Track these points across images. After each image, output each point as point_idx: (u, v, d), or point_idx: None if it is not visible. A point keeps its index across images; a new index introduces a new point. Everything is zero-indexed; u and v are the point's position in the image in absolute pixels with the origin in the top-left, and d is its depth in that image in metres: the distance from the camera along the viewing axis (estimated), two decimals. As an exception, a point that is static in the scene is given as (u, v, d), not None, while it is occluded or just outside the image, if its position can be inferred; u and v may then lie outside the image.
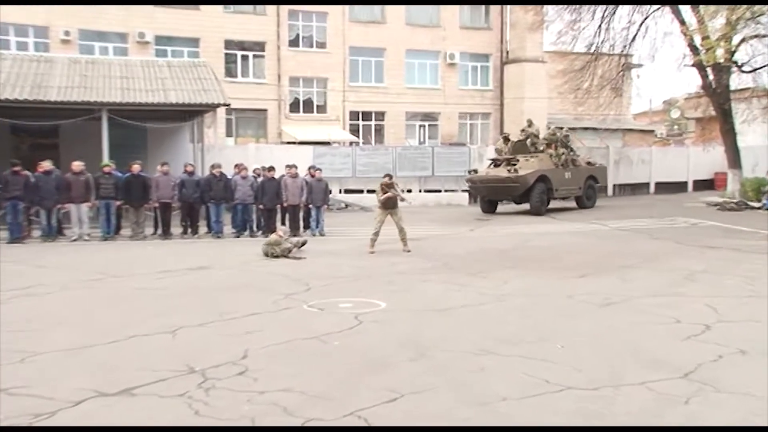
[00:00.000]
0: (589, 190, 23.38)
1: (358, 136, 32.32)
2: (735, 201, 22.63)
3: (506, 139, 23.12)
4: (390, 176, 13.71)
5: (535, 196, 20.82)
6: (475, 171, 22.11)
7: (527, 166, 21.05)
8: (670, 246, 13.79)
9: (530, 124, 23.14)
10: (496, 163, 22.04)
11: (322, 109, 32.72)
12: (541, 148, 22.43)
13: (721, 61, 22.28)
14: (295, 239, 13.90)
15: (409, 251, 13.31)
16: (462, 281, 9.96)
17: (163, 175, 16.15)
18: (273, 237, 13.26)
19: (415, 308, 8.13)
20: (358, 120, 33.51)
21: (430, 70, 34.43)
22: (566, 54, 26.99)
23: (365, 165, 25.54)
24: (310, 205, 16.70)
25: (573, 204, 23.66)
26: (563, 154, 22.32)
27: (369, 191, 25.03)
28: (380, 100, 33.09)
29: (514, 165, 21.21)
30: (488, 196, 21.63)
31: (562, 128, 24.82)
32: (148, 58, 24.02)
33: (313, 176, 17.13)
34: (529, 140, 22.65)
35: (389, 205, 13.42)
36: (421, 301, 8.60)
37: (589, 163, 24.04)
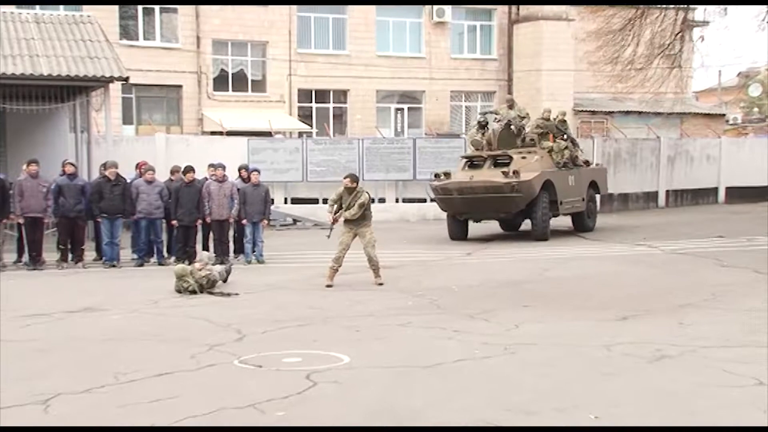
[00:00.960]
0: (590, 204, 22.44)
1: (310, 125, 32.36)
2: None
3: (482, 126, 21.56)
4: (354, 177, 13.75)
5: (539, 213, 19.77)
6: (447, 174, 20.41)
7: (527, 167, 19.85)
8: (746, 276, 14.02)
9: (512, 104, 22.19)
10: (473, 162, 20.74)
11: (259, 86, 32.73)
12: (530, 139, 21.39)
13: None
14: (219, 268, 13.85)
15: (381, 284, 13.34)
16: (456, 325, 10.00)
17: (30, 178, 16.00)
18: (180, 267, 13.26)
19: (391, 364, 8.13)
20: (311, 102, 33.57)
21: (410, 31, 34.70)
22: (601, 9, 27.38)
23: (320, 164, 25.59)
24: (244, 221, 16.68)
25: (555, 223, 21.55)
26: (566, 148, 21.42)
27: (326, 201, 24.97)
28: (341, 75, 33.23)
29: (507, 164, 19.97)
30: (468, 213, 20.34)
31: (572, 111, 24.20)
32: (6, 9, 23.81)
33: (247, 180, 17.11)
34: (513, 128, 21.33)
35: (355, 221, 13.46)
36: (399, 353, 8.61)
37: (586, 163, 23.17)
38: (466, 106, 35.81)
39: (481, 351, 8.63)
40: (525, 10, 35.07)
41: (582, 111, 34.95)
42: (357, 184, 13.56)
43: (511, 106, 21.94)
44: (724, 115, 41.48)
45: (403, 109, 35.16)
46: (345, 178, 13.75)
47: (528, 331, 9.70)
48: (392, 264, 15.62)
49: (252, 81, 32.62)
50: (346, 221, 13.50)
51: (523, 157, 20.27)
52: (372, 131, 31.73)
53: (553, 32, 34.11)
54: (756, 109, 49.43)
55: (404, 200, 26.88)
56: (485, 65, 35.81)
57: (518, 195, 19.42)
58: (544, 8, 34.25)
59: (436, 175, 20.57)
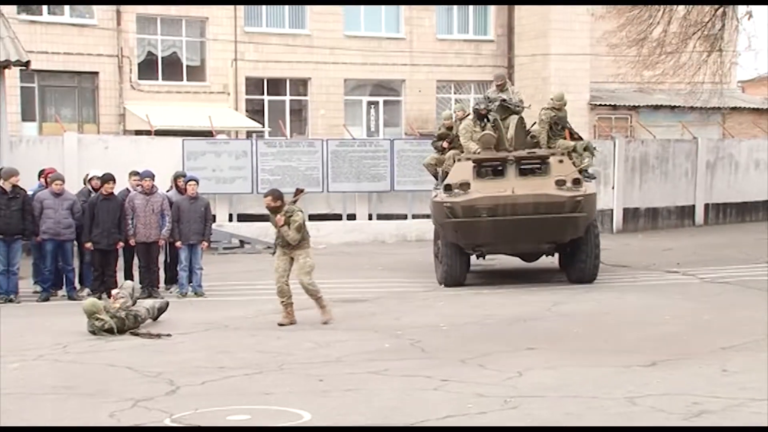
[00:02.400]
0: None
1: (261, 122, 32.34)
2: None
3: (481, 116, 18.65)
4: (276, 194, 13.67)
5: (591, 242, 17.78)
6: (465, 185, 17.31)
7: (572, 176, 17.58)
8: (802, 310, 14.10)
9: (504, 83, 19.92)
10: (481, 166, 17.85)
11: (197, 73, 32.67)
12: (531, 136, 19.25)
13: None
14: (149, 302, 13.79)
15: (326, 322, 13.28)
16: (444, 373, 10.01)
17: None
18: (89, 303, 13.19)
19: (363, 422, 8.13)
20: (262, 94, 33.56)
21: (386, 7, 34.78)
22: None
23: (275, 172, 25.54)
24: (178, 243, 16.64)
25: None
26: (586, 149, 19.13)
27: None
28: (300, 60, 33.26)
29: (538, 171, 17.86)
30: (495, 245, 17.95)
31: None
32: None
33: (183, 192, 17.08)
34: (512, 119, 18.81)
35: (286, 242, 13.49)
36: (373, 408, 8.61)
37: None
38: (456, 100, 35.88)
39: (476, 405, 8.63)
40: (529, -21, 35.24)
41: (600, 105, 35.17)
42: (281, 201, 13.50)
43: (502, 87, 19.74)
44: (776, 110, 41.80)
45: (377, 102, 35.24)
46: (265, 196, 13.71)
47: (534, 380, 9.71)
48: (364, 296, 15.61)
49: (188, 67, 32.59)
50: (282, 244, 13.55)
51: (560, 161, 17.88)
52: (339, 130, 31.76)
53: (564, 6, 34.22)
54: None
55: (379, 217, 26.86)
56: (480, 48, 35.98)
57: (581, 215, 17.22)
58: (552, -22, 34.46)
59: (448, 188, 17.37)
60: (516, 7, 35.55)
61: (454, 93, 36.00)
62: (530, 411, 8.44)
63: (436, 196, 17.82)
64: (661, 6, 26.13)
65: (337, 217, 26.22)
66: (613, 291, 16.65)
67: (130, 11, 31.15)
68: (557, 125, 19.15)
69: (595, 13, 30.56)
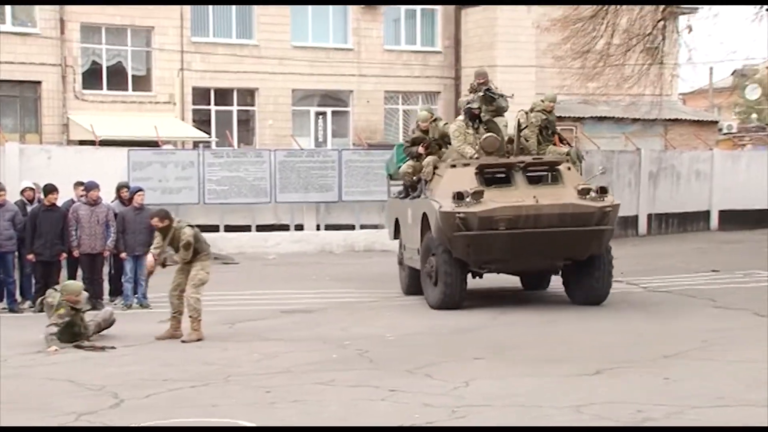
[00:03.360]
0: None
1: (208, 132, 32.17)
2: None
3: (473, 117, 17.14)
4: (162, 215, 13.48)
5: (605, 259, 16.57)
6: (478, 194, 15.53)
7: (585, 184, 16.54)
8: (744, 320, 14.28)
9: (486, 81, 17.97)
10: (484, 172, 16.33)
11: (142, 83, 32.42)
12: (528, 139, 17.61)
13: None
14: (99, 315, 13.65)
15: (187, 341, 12.98)
16: (391, 383, 10.02)
17: None
18: (78, 285, 13.30)
19: (310, 433, 8.13)
20: (209, 104, 33.38)
21: (334, 17, 34.80)
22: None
23: (222, 182, 25.44)
24: (123, 254, 16.50)
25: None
26: (577, 155, 18.02)
27: (229, 228, 24.92)
28: (248, 70, 33.14)
29: (553, 175, 16.64)
30: (507, 262, 16.36)
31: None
32: None
33: (128, 203, 16.94)
34: (495, 118, 17.50)
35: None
36: (320, 419, 8.59)
37: None
38: (403, 110, 35.99)
39: (423, 415, 8.64)
40: (476, -10, 35.33)
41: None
42: (169, 221, 13.33)
43: (485, 81, 18.00)
44: (716, 122, 42.31)
45: (325, 113, 35.18)
46: (151, 218, 13.65)
47: (480, 389, 9.74)
48: (311, 307, 15.57)
49: (133, 77, 32.29)
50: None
51: (569, 168, 16.69)
52: (287, 141, 31.73)
53: (510, 19, 34.47)
54: (754, 116, 50.36)
55: (327, 227, 26.83)
56: (427, 59, 36.06)
57: (608, 228, 16.17)
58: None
59: (459, 197, 15.55)
60: (463, 19, 35.70)
61: (402, 104, 36.05)
62: (478, 421, 8.47)
63: (441, 206, 15.59)
64: (604, 19, 26.42)
65: (285, 227, 26.19)
66: (557, 300, 16.75)
67: (74, 20, 30.82)
68: (547, 129, 17.78)
69: (541, 25, 30.85)
